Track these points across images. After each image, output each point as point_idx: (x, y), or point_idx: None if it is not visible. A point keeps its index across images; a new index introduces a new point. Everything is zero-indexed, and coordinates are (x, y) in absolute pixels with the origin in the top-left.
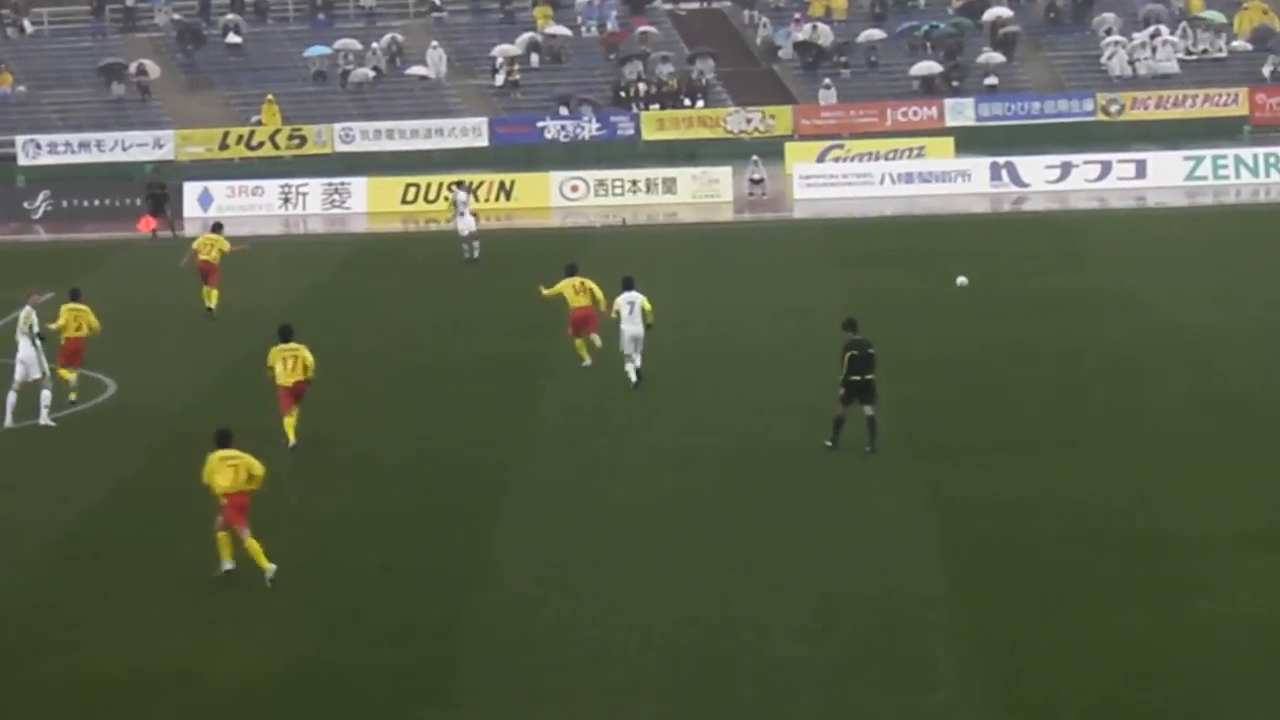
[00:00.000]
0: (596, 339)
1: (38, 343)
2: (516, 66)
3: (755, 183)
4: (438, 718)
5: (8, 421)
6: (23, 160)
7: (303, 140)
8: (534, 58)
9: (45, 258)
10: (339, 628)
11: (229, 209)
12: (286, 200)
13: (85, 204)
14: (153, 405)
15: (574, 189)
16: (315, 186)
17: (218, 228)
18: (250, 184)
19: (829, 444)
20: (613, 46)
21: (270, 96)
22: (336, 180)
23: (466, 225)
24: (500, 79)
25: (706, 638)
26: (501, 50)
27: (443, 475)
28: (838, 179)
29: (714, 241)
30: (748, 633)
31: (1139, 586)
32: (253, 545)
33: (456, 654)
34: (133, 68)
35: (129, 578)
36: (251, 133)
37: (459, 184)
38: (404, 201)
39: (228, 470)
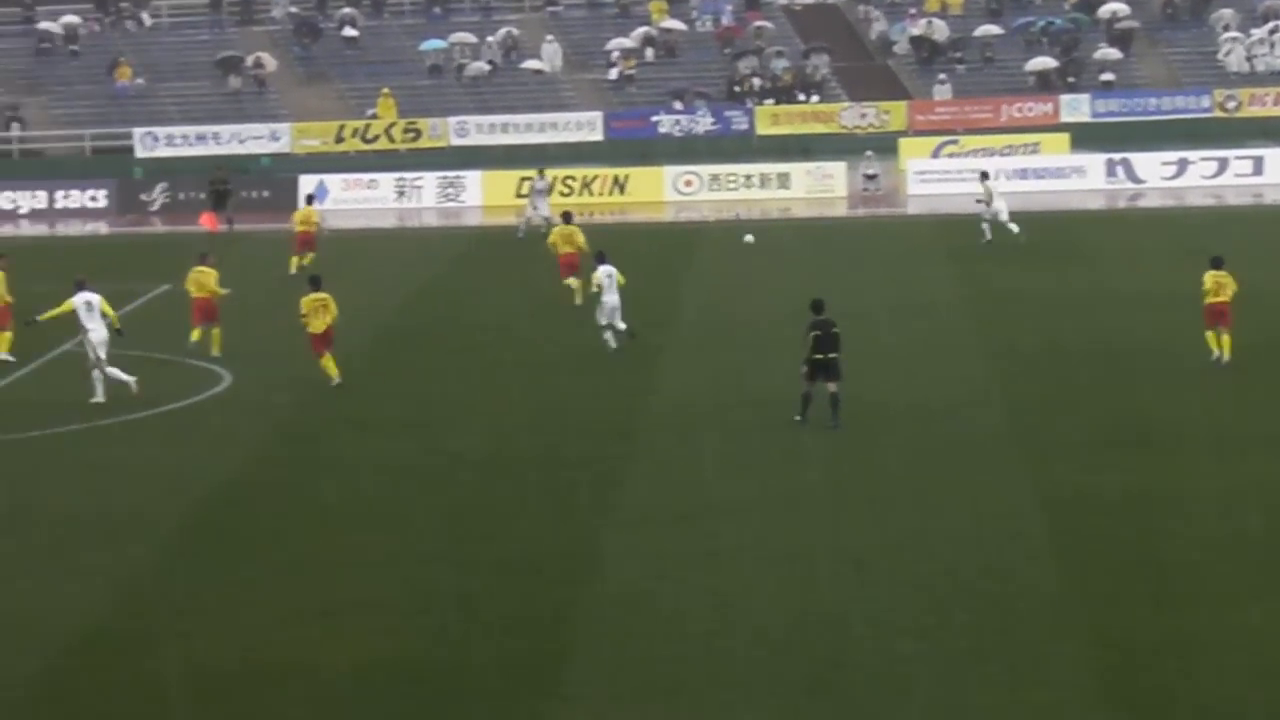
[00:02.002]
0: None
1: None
2: (632, 61)
3: (869, 178)
4: (548, 711)
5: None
6: (140, 152)
7: (418, 134)
8: (649, 52)
9: (162, 249)
10: (451, 619)
11: (344, 202)
12: (401, 193)
13: (202, 196)
14: (265, 398)
15: (688, 183)
16: (430, 180)
17: (310, 199)
18: (365, 177)
19: (798, 418)
20: (728, 41)
21: (386, 90)
22: (451, 174)
23: (540, 212)
24: (615, 73)
25: (819, 632)
26: (617, 44)
27: (555, 468)
28: (952, 174)
29: (828, 237)
30: (861, 627)
31: (1253, 583)
32: (328, 362)
33: (567, 647)
34: (249, 61)
35: (243, 568)
36: (367, 126)
37: (540, 173)
38: (518, 195)
39: (319, 309)
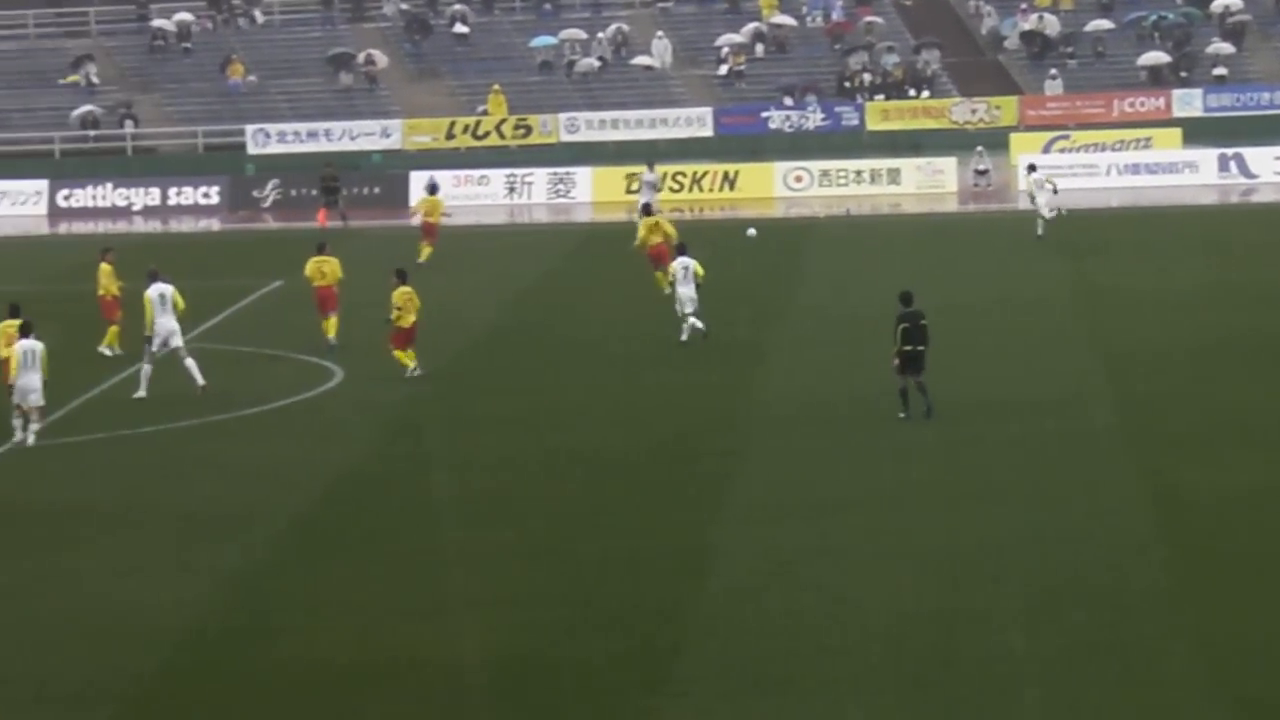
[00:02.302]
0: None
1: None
2: (742, 56)
3: (980, 174)
4: (657, 706)
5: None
6: (252, 149)
7: (528, 130)
8: (759, 47)
9: (274, 246)
10: (561, 615)
11: (455, 198)
12: (512, 189)
13: (313, 193)
14: (377, 393)
15: (798, 179)
16: (540, 176)
17: (434, 189)
18: (476, 173)
19: (901, 415)
20: (838, 36)
21: (496, 86)
22: (561, 170)
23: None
24: (725, 69)
25: (929, 628)
26: (727, 40)
27: (664, 463)
28: (1063, 170)
29: (938, 232)
30: (970, 624)
31: None
32: (405, 355)
33: (677, 643)
34: (361, 57)
35: (357, 564)
36: (478, 122)
37: (649, 165)
38: (628, 191)
39: (410, 303)
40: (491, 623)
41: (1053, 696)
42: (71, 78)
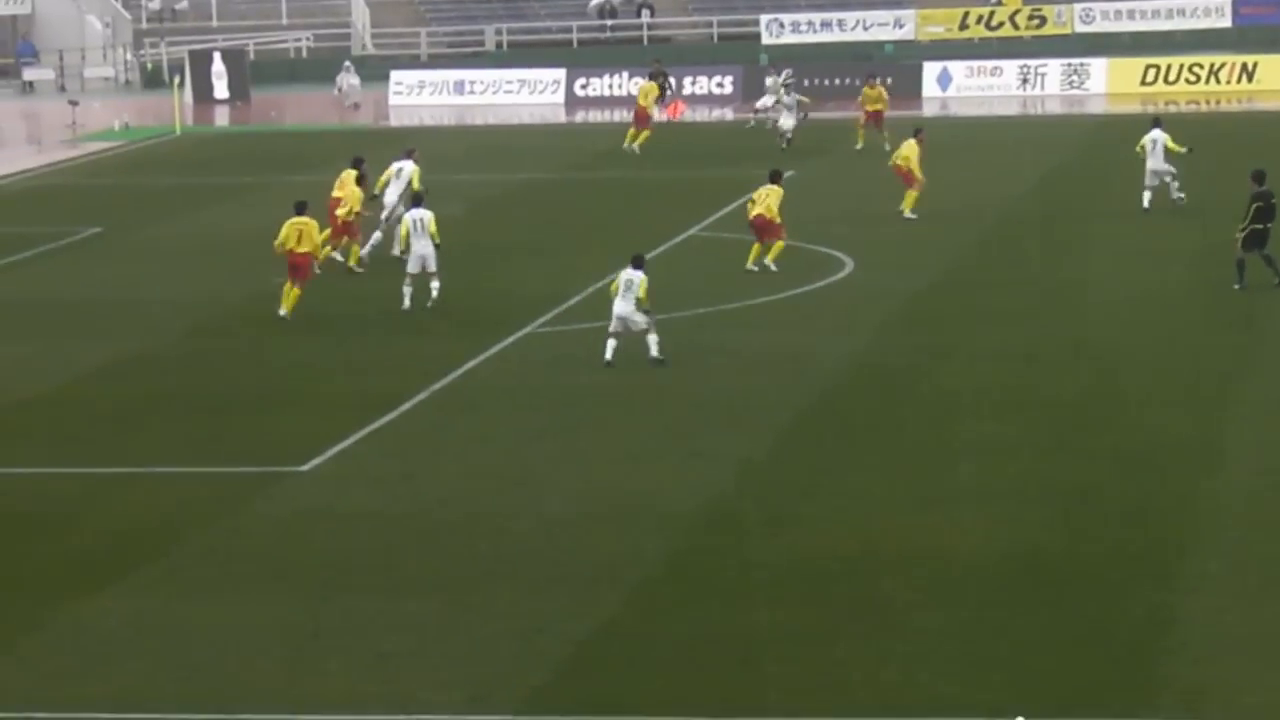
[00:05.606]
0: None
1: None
2: None
3: None
4: (1166, 602)
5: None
6: (766, 39)
7: (1043, 20)
8: None
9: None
10: (1070, 508)
11: (966, 90)
12: (1025, 81)
13: (825, 83)
14: (886, 284)
15: None
16: (1054, 67)
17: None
18: (989, 64)
19: (1237, 286)
20: None
21: None
22: (1075, 61)
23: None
24: None
25: None
26: None
27: (1177, 358)
28: None
29: None
30: None
31: None
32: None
33: (1188, 539)
34: None
35: (863, 454)
36: (991, 13)
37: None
38: (1143, 83)
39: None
40: (999, 515)
41: None
42: None
